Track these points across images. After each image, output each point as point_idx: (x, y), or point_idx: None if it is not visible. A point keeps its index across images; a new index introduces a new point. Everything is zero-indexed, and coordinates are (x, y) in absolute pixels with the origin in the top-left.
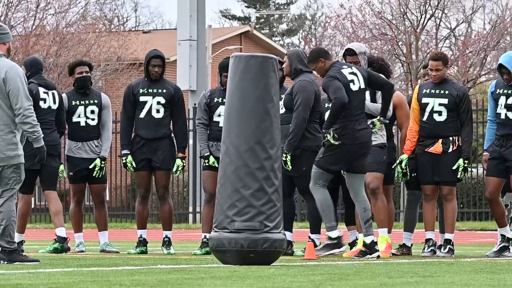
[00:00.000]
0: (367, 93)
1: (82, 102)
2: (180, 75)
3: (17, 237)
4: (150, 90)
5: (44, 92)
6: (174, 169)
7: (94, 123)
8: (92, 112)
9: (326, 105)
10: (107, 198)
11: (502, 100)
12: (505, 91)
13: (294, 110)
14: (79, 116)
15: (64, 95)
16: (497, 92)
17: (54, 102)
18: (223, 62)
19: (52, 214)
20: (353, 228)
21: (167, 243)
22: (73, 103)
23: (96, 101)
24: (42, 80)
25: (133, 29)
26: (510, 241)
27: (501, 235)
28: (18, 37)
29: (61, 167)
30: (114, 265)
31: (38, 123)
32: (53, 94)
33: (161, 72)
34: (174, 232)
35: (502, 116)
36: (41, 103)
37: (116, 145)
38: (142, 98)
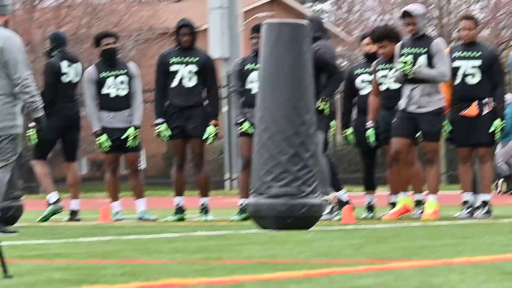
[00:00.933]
0: (423, 58)
1: (111, 73)
2: (212, 43)
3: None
4: (182, 59)
5: (68, 66)
6: (205, 136)
7: (124, 92)
8: (122, 82)
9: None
10: (144, 166)
11: None
12: None
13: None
14: (109, 87)
15: (91, 68)
16: None
17: (76, 75)
18: (254, 26)
19: (69, 185)
20: (370, 193)
21: (204, 210)
22: (102, 74)
23: (125, 71)
24: (65, 54)
25: None
26: None
27: None
28: (50, 9)
29: (104, 136)
30: (152, 232)
31: (38, 92)
32: (76, 67)
33: (192, 40)
34: (211, 199)
35: None
36: (63, 77)
37: (151, 114)
38: (174, 67)
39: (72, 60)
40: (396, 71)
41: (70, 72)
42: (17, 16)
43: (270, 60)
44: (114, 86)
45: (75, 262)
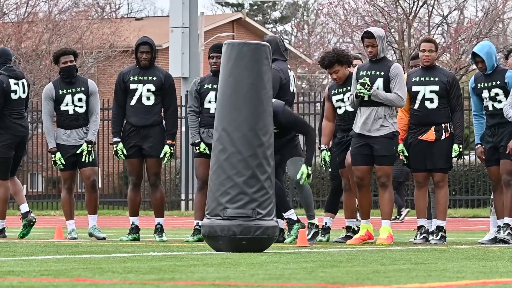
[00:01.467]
0: (381, 82)
1: (69, 91)
2: (172, 62)
3: None
4: (141, 78)
5: (15, 84)
6: (161, 156)
7: (82, 110)
8: (80, 100)
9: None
10: (99, 185)
11: (485, 94)
12: (485, 84)
13: None
14: (67, 105)
15: (50, 85)
16: (478, 87)
17: (24, 92)
18: (212, 45)
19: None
20: (329, 215)
21: (159, 230)
22: (60, 92)
23: (83, 89)
24: (11, 71)
25: (126, 16)
26: None
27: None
28: (11, 24)
29: (58, 154)
30: (106, 252)
31: None
32: (22, 83)
33: (150, 59)
34: (166, 219)
35: (490, 108)
36: (12, 95)
37: (108, 132)
38: (132, 86)
39: (18, 77)
40: (351, 94)
41: (18, 88)
42: None
43: (229, 80)
44: (72, 104)
45: (28, 280)
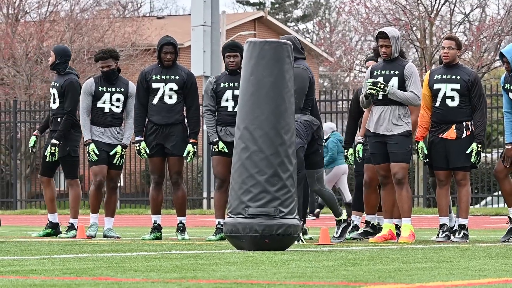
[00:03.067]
0: (395, 81)
1: (109, 89)
2: (194, 60)
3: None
4: (163, 77)
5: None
6: (185, 155)
7: (118, 110)
8: (118, 100)
9: None
10: (122, 184)
11: None
12: None
13: None
14: (104, 102)
15: (91, 80)
16: (505, 87)
17: None
18: (227, 44)
19: None
20: (356, 214)
21: (181, 228)
22: (100, 89)
23: (123, 89)
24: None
25: (147, 15)
26: None
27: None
28: (33, 23)
29: (92, 145)
30: (128, 250)
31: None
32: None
33: (173, 59)
34: (188, 218)
35: None
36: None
37: None
38: (155, 85)
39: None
40: (362, 94)
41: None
42: (0, 30)
43: (251, 79)
44: (109, 102)
45: (50, 279)
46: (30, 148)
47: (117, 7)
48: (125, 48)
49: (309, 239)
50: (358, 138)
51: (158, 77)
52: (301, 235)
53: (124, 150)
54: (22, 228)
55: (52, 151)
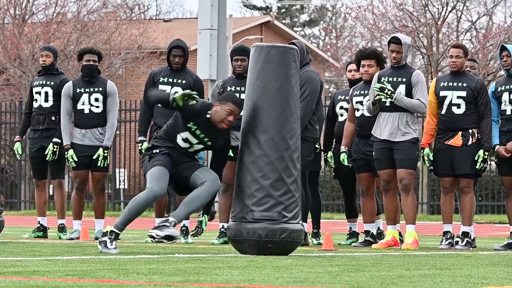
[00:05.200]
0: (403, 88)
1: (87, 90)
2: (200, 64)
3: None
4: (170, 80)
5: None
6: None
7: (98, 110)
8: (97, 100)
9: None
10: (126, 186)
11: (505, 96)
12: (506, 87)
13: (302, 100)
14: (83, 104)
15: (70, 83)
16: (498, 90)
17: None
18: (235, 48)
19: None
20: (351, 221)
21: (184, 232)
22: (78, 90)
23: (101, 89)
24: None
25: (154, 18)
26: None
27: None
28: (39, 24)
29: (71, 151)
30: (131, 253)
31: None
32: None
33: (182, 62)
34: (192, 221)
35: (508, 112)
36: None
37: (135, 133)
38: (161, 87)
39: None
40: (368, 100)
41: None
42: (7, 30)
43: (257, 83)
44: (88, 103)
45: (53, 280)
46: (18, 156)
47: (124, 10)
48: (132, 51)
49: (317, 244)
50: (342, 147)
51: (165, 79)
52: (313, 240)
53: (106, 151)
54: (25, 229)
55: (54, 149)
